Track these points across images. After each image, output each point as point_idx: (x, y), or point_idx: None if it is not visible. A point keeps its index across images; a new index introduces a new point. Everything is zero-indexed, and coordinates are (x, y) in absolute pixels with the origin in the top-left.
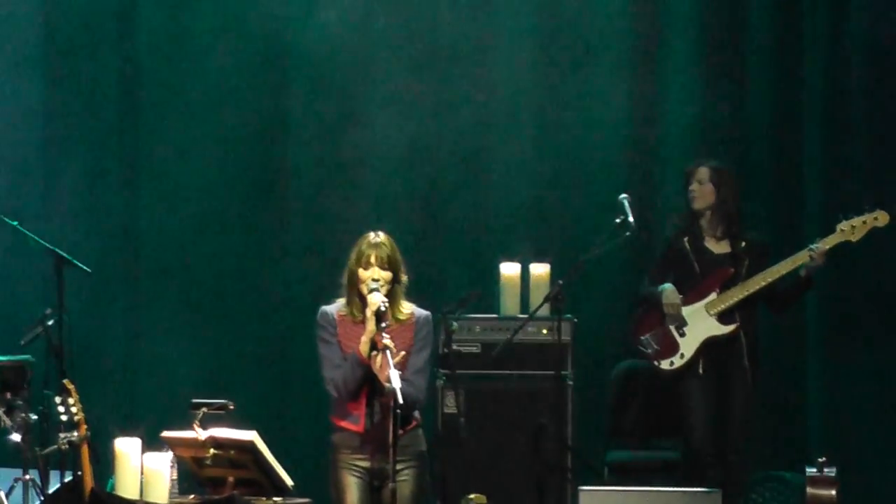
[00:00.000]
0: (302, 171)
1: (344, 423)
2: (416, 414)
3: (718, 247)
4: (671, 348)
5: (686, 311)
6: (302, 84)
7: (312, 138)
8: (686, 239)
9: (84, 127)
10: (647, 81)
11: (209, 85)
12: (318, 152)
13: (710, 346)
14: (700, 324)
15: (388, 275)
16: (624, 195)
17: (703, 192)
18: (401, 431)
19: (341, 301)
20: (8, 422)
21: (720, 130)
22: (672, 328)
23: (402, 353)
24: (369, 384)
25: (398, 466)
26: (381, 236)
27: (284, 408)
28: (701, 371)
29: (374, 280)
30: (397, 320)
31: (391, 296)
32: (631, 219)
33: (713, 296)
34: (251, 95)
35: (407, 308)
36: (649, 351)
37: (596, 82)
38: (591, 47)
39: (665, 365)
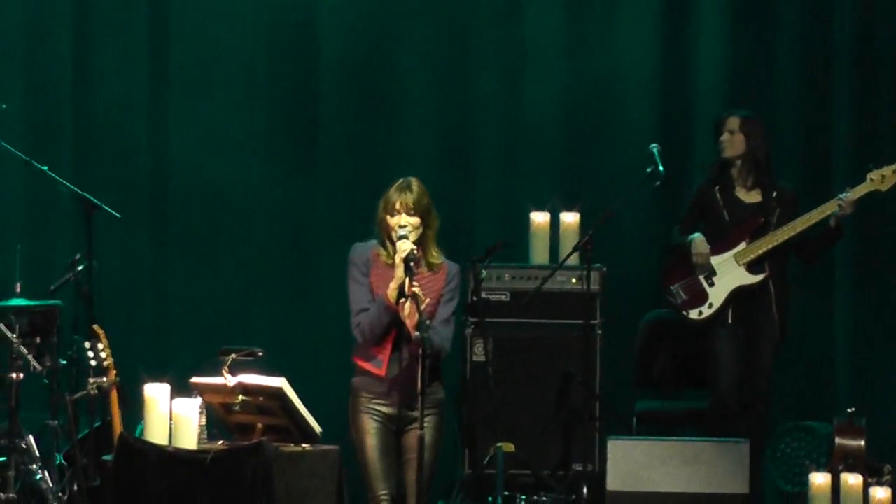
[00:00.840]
0: (334, 111)
1: (367, 366)
2: None
3: (749, 196)
4: (700, 298)
5: (715, 260)
6: (333, 22)
7: (344, 78)
8: (716, 188)
9: (114, 60)
10: (678, 30)
11: (240, 18)
12: (350, 91)
13: (738, 296)
14: (729, 273)
15: (416, 220)
16: (654, 144)
17: (732, 141)
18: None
19: (376, 241)
20: (38, 366)
21: (751, 79)
22: (701, 278)
23: (429, 300)
24: (396, 330)
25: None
26: (409, 182)
27: (314, 354)
28: (729, 321)
29: (401, 227)
30: (429, 266)
31: (422, 241)
32: (661, 168)
33: (742, 245)
34: (282, 30)
35: (438, 256)
36: (678, 301)
37: (627, 31)
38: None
39: (693, 315)
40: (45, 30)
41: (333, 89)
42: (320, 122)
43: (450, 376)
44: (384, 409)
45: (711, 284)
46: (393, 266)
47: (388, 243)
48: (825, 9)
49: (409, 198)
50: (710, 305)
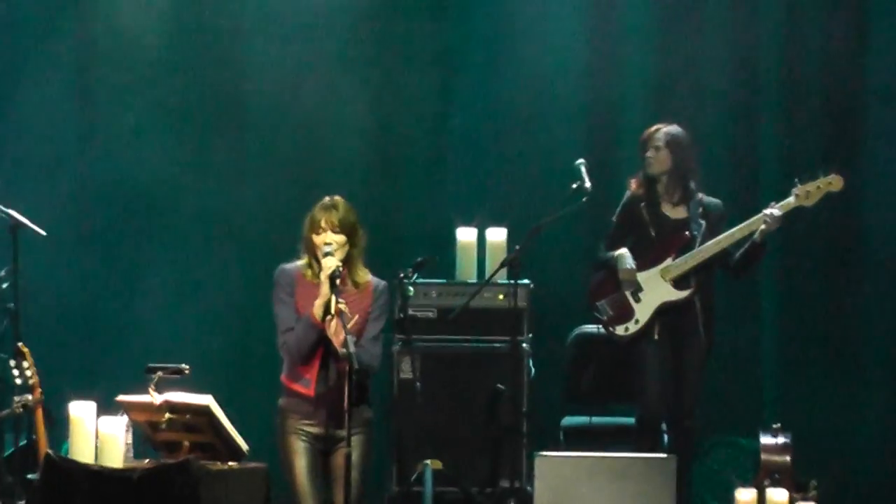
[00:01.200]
0: (262, 126)
1: (295, 387)
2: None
3: (675, 212)
4: (626, 314)
5: (641, 276)
6: (260, 34)
7: (271, 91)
8: (642, 204)
9: (39, 70)
10: (604, 45)
11: (166, 23)
12: (277, 106)
13: (665, 312)
14: (655, 289)
15: (341, 238)
16: (580, 160)
17: (658, 157)
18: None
19: (303, 261)
20: None
21: (677, 95)
22: (627, 294)
23: (356, 316)
24: (323, 348)
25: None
26: (334, 200)
27: (243, 371)
28: (656, 337)
29: (326, 244)
30: (355, 284)
31: (348, 259)
32: (587, 184)
33: (668, 261)
34: (210, 39)
35: (365, 274)
36: (604, 317)
37: (553, 47)
38: (548, 12)
39: (620, 331)
40: None
41: (261, 103)
42: (248, 138)
43: (378, 394)
44: (312, 429)
45: (637, 300)
46: (319, 284)
47: (313, 261)
48: (752, 22)
49: (334, 215)
50: (637, 321)
